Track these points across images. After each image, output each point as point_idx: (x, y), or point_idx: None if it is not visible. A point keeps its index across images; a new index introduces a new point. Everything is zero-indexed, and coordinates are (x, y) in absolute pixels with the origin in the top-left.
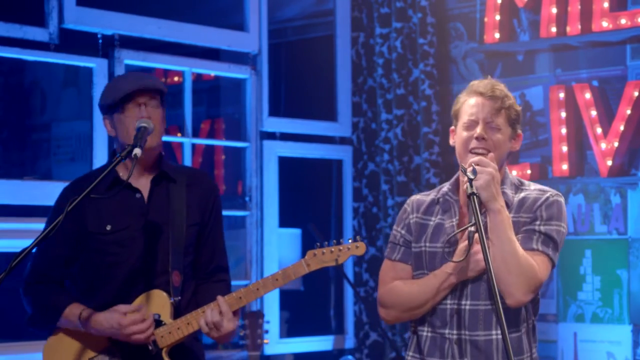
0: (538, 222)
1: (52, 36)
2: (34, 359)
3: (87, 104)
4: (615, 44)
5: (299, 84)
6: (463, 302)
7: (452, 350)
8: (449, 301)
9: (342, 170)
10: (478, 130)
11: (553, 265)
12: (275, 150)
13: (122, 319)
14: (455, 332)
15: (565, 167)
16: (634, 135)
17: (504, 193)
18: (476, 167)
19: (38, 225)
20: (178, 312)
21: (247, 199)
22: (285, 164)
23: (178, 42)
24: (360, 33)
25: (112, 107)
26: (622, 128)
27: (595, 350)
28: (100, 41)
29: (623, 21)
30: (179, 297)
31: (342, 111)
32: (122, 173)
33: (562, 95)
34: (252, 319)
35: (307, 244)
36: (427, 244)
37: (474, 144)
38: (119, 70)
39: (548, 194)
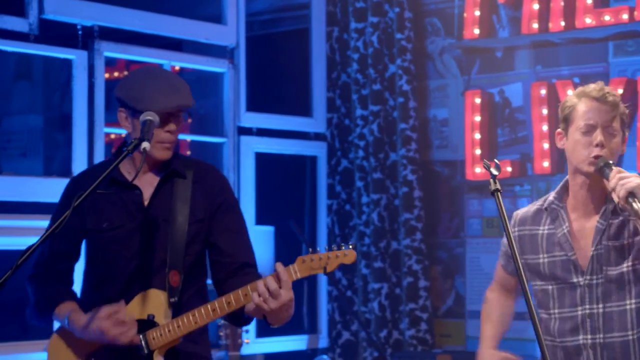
0: None
1: (32, 26)
2: (33, 358)
3: (39, 97)
4: (597, 40)
5: (268, 78)
6: (595, 306)
7: (587, 355)
8: (578, 307)
9: (316, 166)
10: (598, 137)
11: None
12: (252, 146)
13: (102, 323)
14: (589, 337)
15: (546, 164)
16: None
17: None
18: (623, 174)
19: None
20: (177, 312)
21: None
22: (258, 159)
23: (156, 34)
24: (334, 27)
25: (137, 111)
26: None
27: None
28: (80, 32)
29: (607, 18)
30: (175, 298)
31: (317, 107)
32: (125, 170)
33: (543, 92)
34: None
35: (281, 242)
36: (545, 255)
37: (594, 151)
38: (99, 63)
39: None
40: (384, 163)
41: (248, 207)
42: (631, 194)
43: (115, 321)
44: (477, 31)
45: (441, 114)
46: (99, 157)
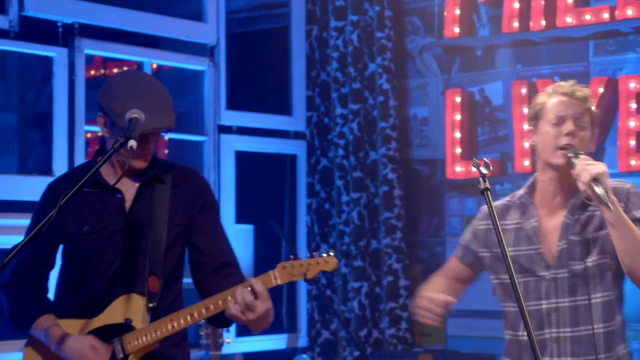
0: (634, 212)
1: (12, 23)
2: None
3: (14, 95)
4: (578, 40)
5: (248, 76)
6: (561, 300)
7: (551, 349)
8: (543, 301)
9: (295, 165)
10: (569, 126)
11: None
12: (232, 144)
13: (88, 350)
14: (554, 330)
15: (527, 163)
16: (597, 132)
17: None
18: (590, 161)
19: None
20: (155, 317)
21: None
22: (237, 158)
23: (137, 31)
24: (314, 26)
25: (117, 124)
26: None
27: None
28: (60, 29)
29: (588, 17)
30: (154, 304)
31: (297, 105)
32: (104, 172)
33: (524, 90)
34: None
35: (260, 241)
36: (511, 249)
37: (564, 140)
38: (79, 60)
39: (629, 186)
40: (364, 162)
41: (228, 205)
42: (595, 179)
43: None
44: (457, 30)
45: (421, 112)
46: (80, 155)
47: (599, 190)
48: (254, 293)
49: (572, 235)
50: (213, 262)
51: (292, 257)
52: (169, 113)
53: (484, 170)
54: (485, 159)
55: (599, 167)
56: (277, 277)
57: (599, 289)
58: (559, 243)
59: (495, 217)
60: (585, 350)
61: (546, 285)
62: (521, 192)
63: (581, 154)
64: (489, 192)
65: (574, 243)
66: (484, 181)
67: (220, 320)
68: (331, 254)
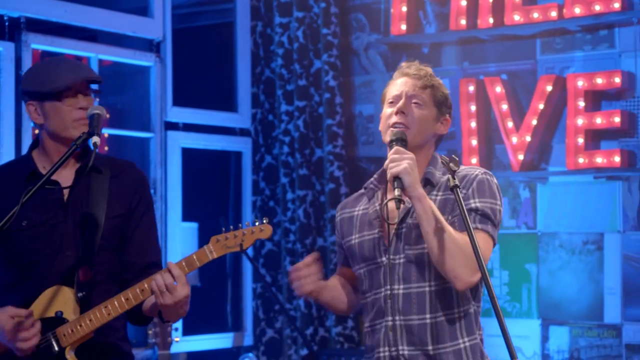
0: (471, 200)
1: None
2: None
3: None
4: (525, 37)
5: (192, 73)
6: (396, 287)
7: (387, 337)
8: (382, 288)
9: (241, 162)
10: (399, 104)
11: (494, 242)
12: (179, 141)
13: (8, 322)
14: (390, 318)
15: (474, 160)
16: (545, 130)
17: (431, 174)
18: (395, 156)
19: None
20: (87, 307)
21: (152, 191)
22: (183, 155)
23: (83, 26)
24: (258, 22)
25: (46, 94)
26: (534, 122)
27: (502, 345)
28: (6, 23)
29: (535, 15)
30: (83, 293)
31: (242, 102)
32: (41, 165)
33: (472, 88)
34: None
35: (205, 239)
36: (357, 235)
37: (394, 118)
38: (27, 55)
39: (477, 171)
40: (310, 159)
41: (175, 203)
42: (397, 178)
43: (17, 324)
44: (403, 27)
45: (367, 110)
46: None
47: (397, 192)
48: (173, 277)
49: (410, 219)
50: (141, 261)
51: (224, 229)
52: (92, 69)
53: (454, 168)
54: (453, 155)
55: (400, 166)
56: (212, 251)
57: (434, 276)
58: (397, 227)
59: (465, 215)
60: (417, 340)
61: (384, 271)
62: (372, 178)
63: (404, 139)
64: (458, 189)
65: (411, 227)
66: (454, 179)
67: (139, 317)
68: (264, 221)
